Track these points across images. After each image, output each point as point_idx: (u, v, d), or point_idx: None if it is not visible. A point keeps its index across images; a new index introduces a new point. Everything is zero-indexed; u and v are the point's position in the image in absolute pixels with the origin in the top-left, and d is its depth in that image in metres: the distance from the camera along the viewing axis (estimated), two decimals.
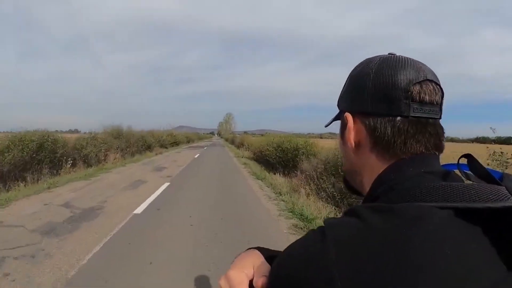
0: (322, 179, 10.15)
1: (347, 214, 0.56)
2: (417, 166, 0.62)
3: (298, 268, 0.52)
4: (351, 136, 0.69)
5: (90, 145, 17.66)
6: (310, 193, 10.12)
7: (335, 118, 0.77)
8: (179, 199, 8.98)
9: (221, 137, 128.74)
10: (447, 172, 0.62)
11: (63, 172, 13.91)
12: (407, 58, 0.66)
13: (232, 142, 58.37)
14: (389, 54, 0.69)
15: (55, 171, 13.86)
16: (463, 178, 0.62)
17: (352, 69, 0.73)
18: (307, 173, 11.83)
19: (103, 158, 18.67)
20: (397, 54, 0.68)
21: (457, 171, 0.64)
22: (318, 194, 9.97)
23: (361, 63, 0.71)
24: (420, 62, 0.66)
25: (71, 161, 14.75)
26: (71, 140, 16.84)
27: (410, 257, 0.46)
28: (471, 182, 0.57)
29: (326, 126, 0.84)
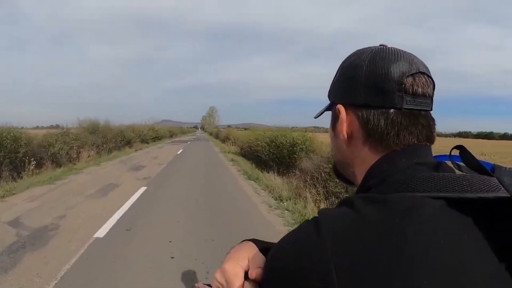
0: (333, 181, 8.54)
1: (341, 204, 0.56)
2: (409, 157, 0.62)
3: (294, 259, 0.52)
4: (344, 128, 0.68)
5: (60, 142, 15.60)
6: (318, 198, 8.50)
7: (326, 109, 0.77)
8: (156, 211, 7.15)
9: (205, 131, 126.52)
10: (439, 163, 0.62)
11: (26, 175, 11.93)
12: (399, 50, 0.66)
13: (217, 136, 56.51)
14: (380, 45, 0.68)
15: (16, 174, 11.89)
16: (455, 169, 0.63)
17: (343, 60, 0.72)
18: (309, 173, 10.24)
19: (75, 156, 16.65)
20: (388, 45, 0.68)
21: (449, 163, 0.64)
22: (328, 199, 8.36)
23: (353, 54, 0.70)
24: (412, 54, 0.66)
25: (34, 162, 12.59)
26: (38, 137, 14.77)
27: (403, 248, 0.47)
28: (463, 173, 0.58)
29: (316, 117, 0.82)
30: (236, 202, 8.23)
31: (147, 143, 33.43)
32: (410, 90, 0.62)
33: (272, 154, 14.72)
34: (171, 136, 56.63)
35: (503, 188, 0.50)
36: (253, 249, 0.70)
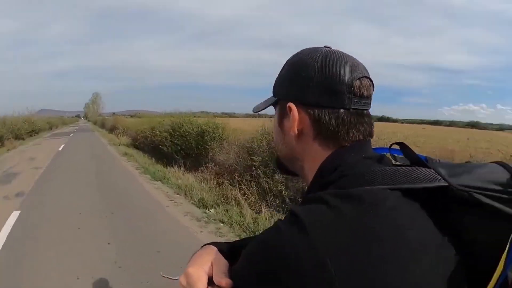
0: (270, 177, 6.97)
1: (314, 201, 0.58)
2: (357, 152, 0.68)
3: (284, 264, 0.51)
4: (295, 126, 0.71)
5: None
6: (253, 199, 6.88)
7: (271, 104, 0.80)
8: (38, 262, 4.29)
9: (89, 121, 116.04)
10: (381, 156, 0.70)
11: None
12: (345, 54, 0.71)
13: (102, 125, 51.77)
14: (325, 47, 0.74)
15: None
16: (392, 160, 0.73)
17: (289, 58, 0.77)
18: (230, 167, 8.61)
19: None
20: (332, 47, 0.74)
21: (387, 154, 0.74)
22: (264, 199, 6.79)
23: (302, 53, 0.74)
24: (355, 58, 0.72)
25: None
26: None
27: (373, 249, 0.51)
28: (409, 166, 0.65)
29: (257, 111, 0.85)
30: (150, 220, 6.08)
31: (23, 139, 28.06)
32: (358, 93, 0.68)
33: (176, 145, 12.68)
34: (50, 128, 49.55)
35: (440, 178, 0.58)
36: (215, 253, 0.72)
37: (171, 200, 7.44)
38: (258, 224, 5.53)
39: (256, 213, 6.27)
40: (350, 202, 0.55)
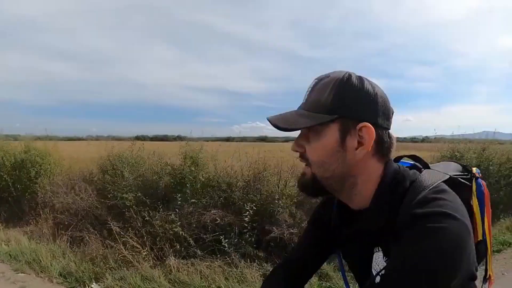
0: (159, 218, 5.34)
1: (432, 200, 0.78)
2: (394, 163, 0.92)
3: (470, 236, 0.76)
4: (371, 143, 0.84)
5: None
6: (147, 253, 5.03)
7: (326, 121, 0.85)
8: None
9: None
10: (402, 164, 0.98)
11: None
12: None
13: None
14: (348, 72, 0.89)
15: None
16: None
17: (342, 80, 0.86)
18: (79, 212, 6.42)
19: None
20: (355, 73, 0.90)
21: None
22: (157, 247, 5.16)
23: (353, 77, 0.87)
24: None
25: None
26: None
27: (468, 215, 0.80)
28: (429, 169, 0.97)
29: (296, 128, 0.89)
30: None
31: None
32: (392, 116, 0.91)
33: None
34: None
35: (444, 173, 0.90)
36: None
37: (16, 284, 4.76)
38: (184, 283, 4.09)
39: (161, 268, 4.69)
40: (445, 194, 0.79)
